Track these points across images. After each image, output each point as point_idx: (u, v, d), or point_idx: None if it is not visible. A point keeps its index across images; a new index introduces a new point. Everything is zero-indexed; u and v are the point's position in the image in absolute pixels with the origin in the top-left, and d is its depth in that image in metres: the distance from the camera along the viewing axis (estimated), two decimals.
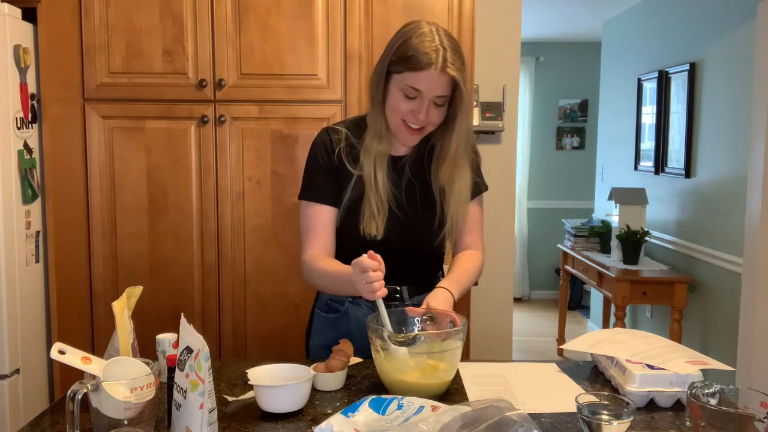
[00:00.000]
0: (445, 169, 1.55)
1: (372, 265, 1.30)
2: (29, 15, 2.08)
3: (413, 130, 1.49)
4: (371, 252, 1.33)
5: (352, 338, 1.49)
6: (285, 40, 2.35)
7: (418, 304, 1.49)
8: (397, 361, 1.29)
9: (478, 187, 1.64)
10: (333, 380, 1.36)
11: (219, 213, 2.40)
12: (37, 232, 2.14)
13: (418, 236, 1.57)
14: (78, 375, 1.12)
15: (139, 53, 2.34)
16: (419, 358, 1.30)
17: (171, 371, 1.17)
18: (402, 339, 1.31)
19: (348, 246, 1.56)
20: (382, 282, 1.32)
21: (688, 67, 3.80)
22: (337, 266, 1.49)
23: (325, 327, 1.65)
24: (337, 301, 1.63)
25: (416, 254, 1.59)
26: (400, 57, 1.44)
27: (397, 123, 1.50)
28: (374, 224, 1.51)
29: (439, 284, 1.51)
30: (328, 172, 1.57)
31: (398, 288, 1.58)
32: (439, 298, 1.46)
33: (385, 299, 1.43)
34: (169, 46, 2.34)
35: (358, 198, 1.54)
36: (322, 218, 1.56)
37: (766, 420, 1.01)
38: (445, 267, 1.68)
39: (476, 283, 1.74)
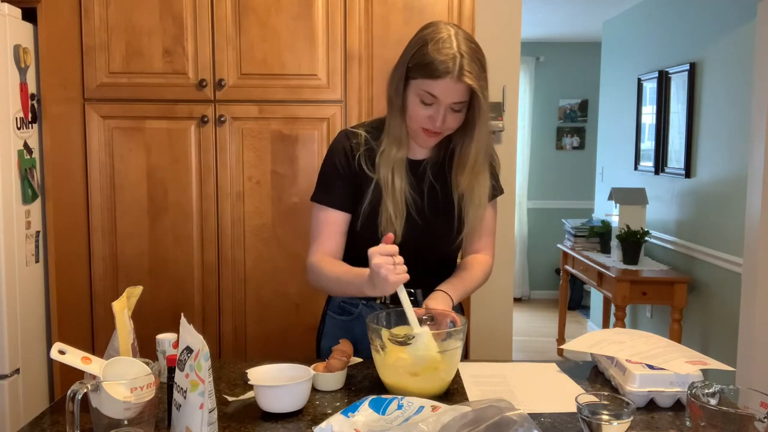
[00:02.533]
0: (465, 177, 1.54)
1: (395, 249, 1.29)
2: (29, 15, 2.08)
3: (431, 133, 1.48)
4: (390, 235, 1.31)
5: (365, 341, 1.48)
6: (285, 40, 2.35)
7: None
8: (421, 348, 1.29)
9: (494, 191, 1.62)
10: (333, 380, 1.36)
11: (219, 213, 2.40)
12: (37, 232, 2.14)
13: (437, 241, 1.57)
14: (78, 375, 1.12)
15: (139, 53, 2.34)
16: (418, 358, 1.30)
17: (171, 371, 1.17)
18: (401, 339, 1.31)
19: (364, 247, 1.55)
20: (405, 267, 1.30)
21: (688, 67, 3.80)
22: (346, 267, 1.48)
23: (338, 329, 1.64)
24: (350, 303, 1.63)
25: (433, 258, 1.58)
26: (417, 64, 1.42)
27: (415, 128, 1.49)
28: (392, 229, 1.50)
29: (438, 287, 1.51)
30: (345, 177, 1.55)
31: (413, 291, 1.57)
32: (438, 300, 1.46)
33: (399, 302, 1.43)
34: (169, 46, 2.34)
35: (378, 202, 1.53)
36: (332, 223, 1.55)
37: (766, 420, 1.01)
38: None
39: None
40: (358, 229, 1.56)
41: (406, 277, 1.30)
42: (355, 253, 1.58)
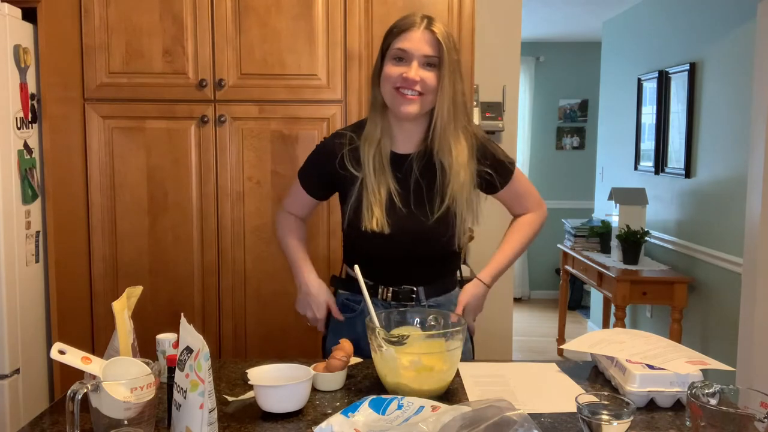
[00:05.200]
0: (437, 139, 1.54)
1: (317, 321, 1.68)
2: (29, 15, 2.08)
3: (407, 98, 1.50)
4: (335, 309, 1.66)
5: (368, 339, 1.48)
6: (285, 40, 2.35)
7: (436, 306, 1.57)
8: (390, 361, 1.29)
9: (508, 171, 1.65)
10: (333, 380, 1.36)
11: (219, 213, 2.40)
12: (37, 232, 2.14)
13: (426, 233, 1.56)
14: (78, 375, 1.12)
15: (139, 53, 2.34)
16: (415, 358, 1.30)
17: (171, 371, 1.18)
18: (395, 339, 1.31)
19: (356, 243, 1.59)
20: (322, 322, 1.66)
21: (688, 67, 3.80)
22: (296, 247, 1.72)
23: (342, 327, 1.65)
24: (353, 300, 1.64)
25: (426, 253, 1.58)
26: (388, 33, 1.54)
27: (391, 93, 1.51)
28: (375, 219, 1.51)
29: (477, 275, 1.63)
30: (319, 172, 1.65)
31: (414, 288, 1.58)
32: (467, 292, 1.59)
33: (402, 299, 1.54)
34: (169, 46, 2.34)
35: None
36: (302, 197, 1.71)
37: (766, 420, 1.01)
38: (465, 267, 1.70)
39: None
40: (345, 227, 1.60)
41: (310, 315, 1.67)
42: (350, 247, 1.63)
